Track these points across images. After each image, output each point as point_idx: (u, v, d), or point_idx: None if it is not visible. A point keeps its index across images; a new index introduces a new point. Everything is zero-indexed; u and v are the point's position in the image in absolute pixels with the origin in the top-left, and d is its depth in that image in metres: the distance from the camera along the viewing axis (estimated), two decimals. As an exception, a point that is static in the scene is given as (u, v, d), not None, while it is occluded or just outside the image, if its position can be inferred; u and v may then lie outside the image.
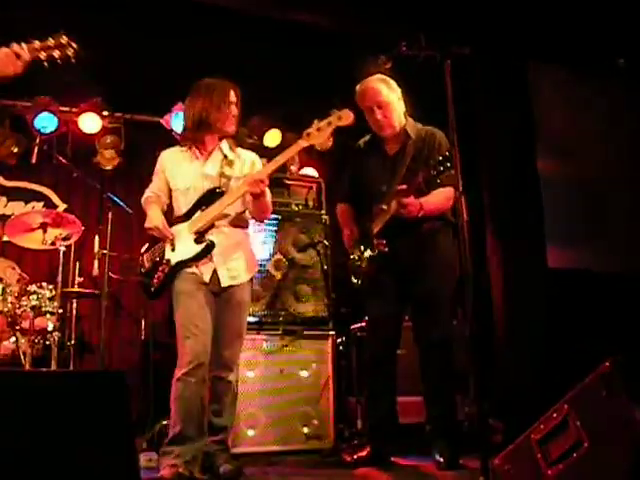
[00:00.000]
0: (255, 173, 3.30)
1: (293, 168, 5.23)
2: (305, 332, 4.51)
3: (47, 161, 5.88)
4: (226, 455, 3.32)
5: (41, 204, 6.14)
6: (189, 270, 3.30)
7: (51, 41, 3.08)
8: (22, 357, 4.64)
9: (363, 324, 4.71)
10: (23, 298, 4.72)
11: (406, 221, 3.53)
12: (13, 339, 4.73)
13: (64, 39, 3.11)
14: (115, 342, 5.91)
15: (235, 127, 3.46)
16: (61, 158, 5.45)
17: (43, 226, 4.79)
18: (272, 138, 6.39)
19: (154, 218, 3.39)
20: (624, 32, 5.61)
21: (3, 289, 4.68)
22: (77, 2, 4.97)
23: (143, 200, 3.56)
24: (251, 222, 3.58)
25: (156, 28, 5.37)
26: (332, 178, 5.31)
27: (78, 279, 5.25)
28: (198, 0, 5.02)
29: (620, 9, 5.39)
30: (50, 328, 4.74)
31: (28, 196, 6.16)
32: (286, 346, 4.43)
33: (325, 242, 4.71)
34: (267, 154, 5.96)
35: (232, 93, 3.43)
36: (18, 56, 2.94)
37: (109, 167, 6.11)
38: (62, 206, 6.16)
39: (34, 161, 5.42)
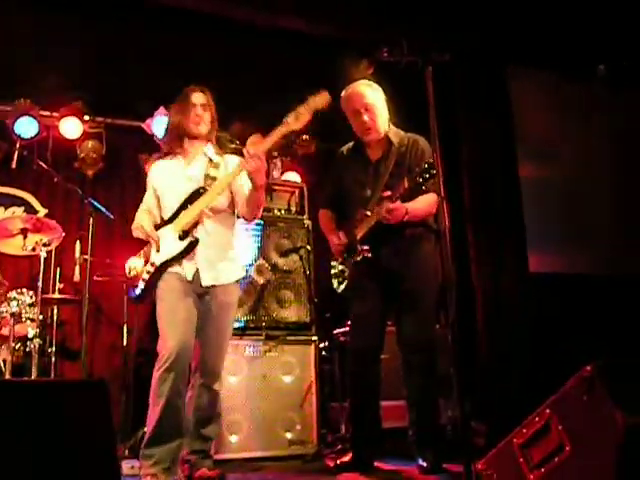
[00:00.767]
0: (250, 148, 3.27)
1: (275, 174, 5.22)
2: (288, 337, 4.52)
3: (27, 166, 5.82)
4: (209, 462, 3.31)
5: (21, 209, 6.07)
6: (173, 270, 3.30)
7: None
8: (2, 364, 4.60)
9: (346, 329, 4.72)
10: (3, 305, 4.68)
11: (389, 227, 3.53)
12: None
13: None
14: (97, 348, 5.86)
15: (207, 127, 3.44)
16: (42, 163, 5.40)
17: (23, 232, 4.74)
18: (254, 143, 6.38)
19: (140, 219, 3.40)
20: (604, 36, 5.67)
21: (-19, 296, 4.63)
22: (59, 6, 4.94)
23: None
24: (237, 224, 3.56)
25: (138, 32, 5.36)
26: (315, 183, 5.31)
27: (59, 285, 5.21)
28: (183, 5, 5.00)
29: (600, 13, 5.45)
30: (30, 335, 4.69)
31: (8, 201, 6.09)
32: (269, 351, 4.43)
33: (307, 247, 4.71)
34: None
35: (195, 95, 3.44)
36: None
37: (90, 172, 6.07)
38: (43, 211, 6.10)
39: (14, 166, 5.36)
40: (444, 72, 3.00)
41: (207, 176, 3.34)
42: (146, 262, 3.36)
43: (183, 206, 3.31)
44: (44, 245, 4.68)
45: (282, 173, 5.88)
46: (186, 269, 3.29)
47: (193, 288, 3.29)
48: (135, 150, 6.26)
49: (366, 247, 3.61)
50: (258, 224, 4.63)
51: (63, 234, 4.90)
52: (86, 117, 6.02)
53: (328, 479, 3.56)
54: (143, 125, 6.11)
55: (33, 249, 4.70)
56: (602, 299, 5.63)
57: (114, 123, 6.30)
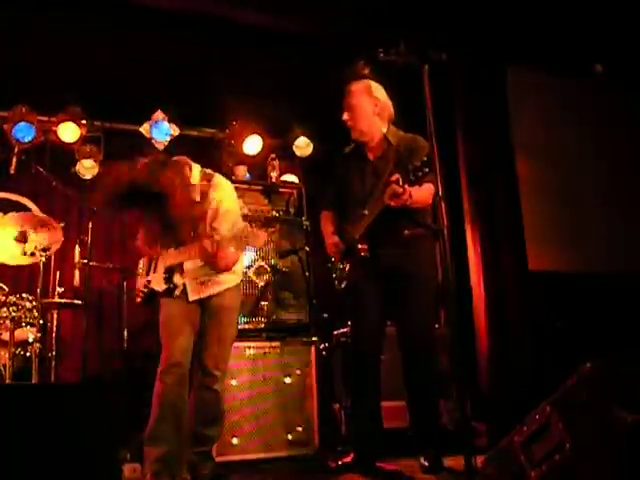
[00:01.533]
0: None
1: (274, 175, 5.22)
2: (288, 338, 4.51)
3: (26, 171, 5.82)
4: (210, 464, 3.31)
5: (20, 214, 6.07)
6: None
7: None
8: (2, 369, 4.59)
9: (346, 330, 4.72)
10: (2, 309, 4.67)
11: (388, 227, 3.56)
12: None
13: None
14: (97, 352, 5.86)
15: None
16: (40, 168, 5.40)
17: (22, 235, 4.73)
18: (252, 145, 6.39)
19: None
20: (603, 36, 5.67)
21: (-19, 301, 4.62)
22: (57, 10, 4.94)
23: None
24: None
25: (136, 35, 5.36)
26: (313, 184, 5.31)
27: (58, 289, 5.20)
28: (180, 8, 5.00)
29: (598, 13, 5.45)
30: (31, 339, 4.69)
31: (7, 206, 6.09)
32: (269, 353, 4.43)
33: (306, 248, 4.71)
34: (247, 160, 6.01)
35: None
36: None
37: (88, 176, 6.07)
38: (41, 216, 6.11)
39: (13, 171, 5.36)
40: (442, 71, 3.00)
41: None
42: (147, 271, 3.40)
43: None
44: (43, 250, 4.68)
45: (280, 175, 5.88)
46: (178, 290, 3.33)
47: (192, 303, 3.33)
48: (133, 154, 6.25)
49: (364, 246, 3.61)
50: (257, 226, 4.63)
51: (62, 239, 4.90)
52: (84, 121, 6.02)
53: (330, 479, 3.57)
54: (141, 129, 6.12)
55: (32, 254, 4.70)
56: (602, 297, 5.63)
57: (112, 127, 6.30)
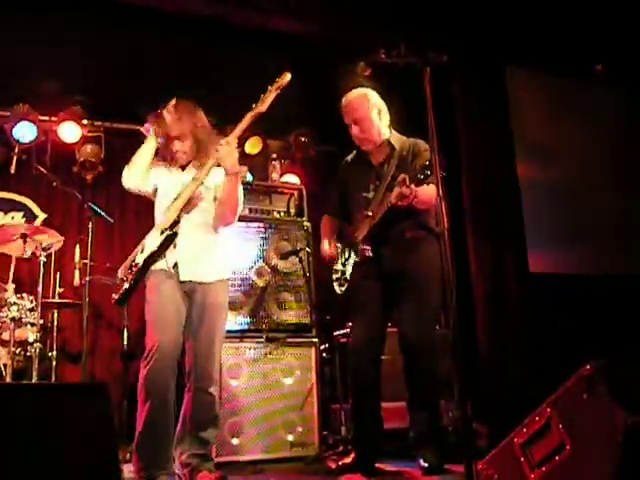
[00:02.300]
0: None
1: (275, 176, 5.23)
2: (288, 339, 4.51)
3: (26, 171, 5.84)
4: (210, 465, 3.30)
5: (21, 214, 6.09)
6: (158, 267, 3.32)
7: None
8: (2, 369, 4.60)
9: (346, 330, 4.72)
10: (3, 309, 4.68)
11: (391, 229, 3.58)
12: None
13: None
14: (97, 352, 5.87)
15: (186, 156, 3.41)
16: (40, 167, 5.41)
17: (23, 236, 4.75)
18: (253, 145, 6.40)
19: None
20: (603, 36, 5.67)
21: (-19, 301, 4.64)
22: (57, 11, 4.94)
23: None
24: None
25: (137, 36, 5.36)
26: (314, 185, 5.31)
27: (59, 289, 5.21)
28: (181, 9, 5.00)
29: (598, 12, 5.45)
30: (31, 339, 4.70)
31: (7, 206, 6.11)
32: (270, 354, 4.42)
33: (307, 249, 4.71)
34: (248, 161, 6.01)
35: (170, 127, 3.38)
36: None
37: (89, 176, 6.08)
38: (42, 216, 6.12)
39: (13, 171, 5.38)
40: (442, 73, 3.00)
41: (193, 179, 3.35)
42: (130, 265, 3.38)
43: (168, 209, 3.34)
44: (44, 249, 4.69)
45: (281, 175, 5.89)
46: (168, 261, 3.31)
47: (180, 286, 3.31)
48: (134, 154, 6.26)
49: (367, 247, 3.63)
50: (257, 226, 4.64)
51: (62, 239, 4.91)
52: (85, 121, 6.03)
53: (330, 481, 3.57)
54: (142, 129, 6.11)
55: (33, 253, 4.71)
56: (602, 299, 5.63)
57: (113, 127, 6.31)
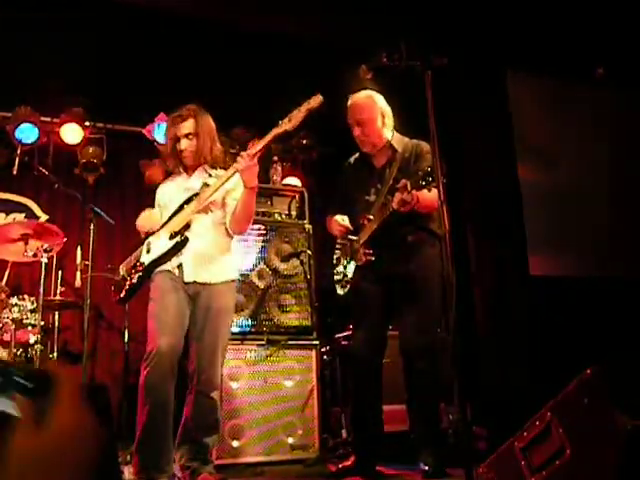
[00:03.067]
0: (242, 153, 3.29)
1: (276, 178, 5.23)
2: (289, 342, 4.51)
3: (28, 172, 5.84)
4: (210, 467, 3.30)
5: (22, 215, 6.09)
6: (164, 268, 3.33)
7: None
8: (3, 370, 4.59)
9: (347, 333, 4.72)
10: (4, 311, 4.68)
11: (393, 232, 3.58)
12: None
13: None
14: (98, 353, 5.87)
15: (193, 156, 3.45)
16: (42, 169, 5.41)
17: (24, 237, 4.76)
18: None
19: (145, 214, 3.47)
20: (603, 39, 5.67)
21: (-18, 302, 4.63)
22: (59, 11, 4.95)
23: None
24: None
25: (139, 38, 5.37)
26: (315, 187, 5.31)
27: (60, 289, 5.21)
28: (183, 10, 5.01)
29: (597, 16, 5.46)
30: (32, 341, 4.70)
31: (9, 207, 6.11)
32: (270, 356, 4.43)
33: (308, 251, 4.71)
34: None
35: (179, 126, 3.43)
36: None
37: (91, 178, 6.08)
38: (43, 217, 6.12)
39: (15, 172, 5.38)
40: (443, 76, 3.00)
41: (204, 184, 3.37)
42: (134, 264, 3.39)
43: (177, 211, 3.35)
44: (45, 251, 4.69)
45: (282, 178, 5.89)
46: (173, 261, 3.33)
47: (184, 288, 3.31)
48: (136, 156, 6.28)
49: (369, 251, 3.62)
50: (258, 229, 4.64)
51: (64, 240, 4.91)
52: (87, 123, 6.04)
53: (330, 484, 3.56)
54: (144, 131, 6.13)
55: (34, 255, 4.71)
56: (602, 302, 5.63)
57: (115, 129, 6.32)
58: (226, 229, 3.45)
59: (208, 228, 3.38)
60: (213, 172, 3.46)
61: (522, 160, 5.96)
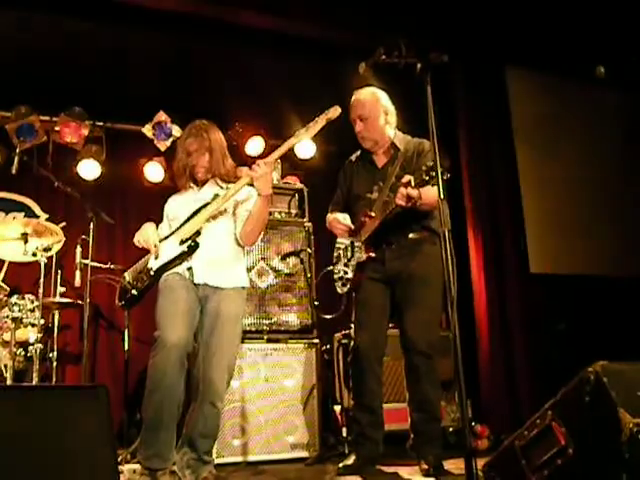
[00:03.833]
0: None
1: (276, 176, 5.20)
2: (289, 340, 4.51)
3: (28, 171, 5.82)
4: (210, 467, 3.29)
5: (22, 214, 6.09)
6: (173, 271, 3.31)
7: None
8: (3, 370, 4.60)
9: (348, 332, 4.71)
10: (4, 310, 4.68)
11: (394, 230, 3.59)
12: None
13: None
14: (98, 353, 5.87)
15: (204, 171, 3.45)
16: (42, 168, 5.40)
17: (24, 236, 4.76)
18: (254, 146, 6.39)
19: (146, 227, 3.43)
20: (604, 36, 5.66)
21: (-18, 301, 4.63)
22: (59, 10, 4.94)
23: None
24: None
25: (139, 36, 5.36)
26: (315, 186, 5.29)
27: (60, 289, 5.20)
28: (183, 9, 5.00)
29: (598, 13, 5.45)
30: (32, 340, 4.70)
31: (9, 206, 6.11)
32: (270, 355, 4.42)
33: (308, 250, 4.70)
34: (250, 162, 6.00)
35: (189, 141, 3.44)
36: None
37: (91, 177, 6.07)
38: (43, 216, 6.12)
39: (14, 172, 5.36)
40: (442, 71, 3.00)
41: (215, 195, 3.38)
42: (142, 270, 3.37)
43: (188, 219, 3.35)
44: (45, 250, 4.68)
45: (283, 176, 5.87)
46: (183, 266, 3.32)
47: (194, 289, 3.29)
48: (135, 154, 6.27)
49: (370, 248, 3.62)
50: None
51: (64, 239, 4.91)
52: (86, 122, 6.03)
53: (331, 482, 3.56)
54: (143, 130, 6.12)
55: (34, 254, 4.70)
56: (604, 300, 5.62)
57: (114, 127, 6.31)
58: (236, 239, 3.44)
59: (219, 236, 3.37)
60: (224, 185, 3.46)
61: (522, 157, 5.95)
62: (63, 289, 5.23)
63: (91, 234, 4.77)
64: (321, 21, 5.23)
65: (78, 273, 5.07)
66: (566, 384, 2.04)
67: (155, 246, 3.32)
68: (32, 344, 4.68)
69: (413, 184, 3.30)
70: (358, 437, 3.72)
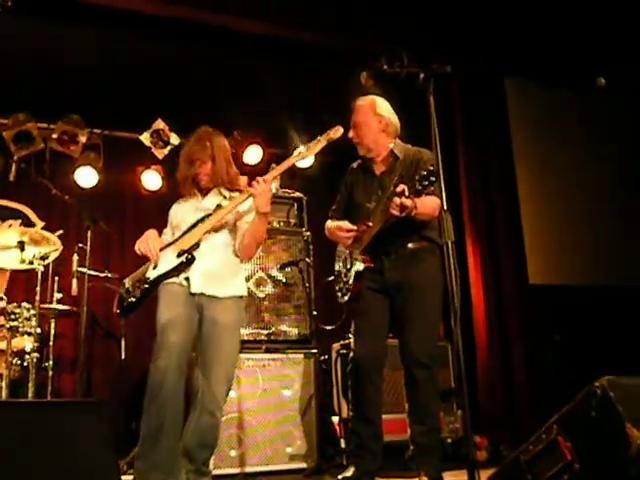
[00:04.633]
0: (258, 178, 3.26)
1: (275, 185, 5.18)
2: (287, 350, 4.48)
3: (25, 178, 5.81)
4: (207, 478, 3.26)
5: (18, 222, 6.07)
6: (171, 280, 3.29)
7: None
8: (-1, 379, 4.56)
9: (346, 342, 4.69)
10: (0, 318, 4.64)
11: (392, 240, 3.56)
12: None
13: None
14: (94, 362, 5.83)
15: (207, 179, 3.42)
16: (39, 176, 5.38)
17: (20, 245, 4.73)
18: (253, 155, 6.38)
19: (146, 236, 3.39)
20: (603, 48, 5.67)
21: (-21, 310, 4.60)
22: (58, 17, 4.93)
23: None
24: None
25: (137, 44, 5.36)
26: (314, 195, 5.28)
27: (57, 295, 5.17)
28: (182, 17, 5.00)
29: (598, 24, 5.46)
30: (28, 349, 4.66)
31: (5, 214, 6.09)
32: (268, 365, 4.39)
33: (307, 260, 4.68)
34: (248, 170, 5.99)
35: (192, 151, 3.43)
36: None
37: (88, 184, 6.05)
38: (40, 224, 6.10)
39: (12, 179, 5.35)
40: (441, 84, 3.00)
41: (218, 206, 3.36)
42: (140, 278, 3.35)
43: (188, 230, 3.33)
44: (42, 258, 4.66)
45: (281, 185, 5.86)
46: (180, 278, 3.29)
47: (191, 299, 3.27)
48: (133, 162, 6.25)
49: (368, 258, 3.61)
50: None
51: (61, 247, 4.88)
52: (84, 129, 6.01)
53: (329, 494, 3.53)
54: (141, 137, 6.11)
55: (31, 263, 4.67)
56: (604, 311, 5.61)
57: (112, 135, 6.30)
58: (234, 251, 3.42)
59: (218, 248, 3.35)
60: (227, 194, 3.44)
61: (521, 170, 5.95)
62: (60, 295, 5.19)
63: (88, 242, 4.75)
64: (323, 30, 5.23)
65: (75, 281, 5.04)
66: (565, 395, 2.02)
67: (156, 255, 3.31)
68: (28, 353, 4.65)
69: (407, 193, 3.29)
70: (357, 449, 3.68)
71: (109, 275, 5.36)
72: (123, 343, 5.23)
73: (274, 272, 4.63)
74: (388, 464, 3.81)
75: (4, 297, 4.86)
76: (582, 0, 5.34)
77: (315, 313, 4.62)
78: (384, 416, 3.77)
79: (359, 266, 3.65)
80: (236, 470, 4.11)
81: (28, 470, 1.76)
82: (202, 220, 3.33)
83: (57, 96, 5.73)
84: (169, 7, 4.97)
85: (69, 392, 5.60)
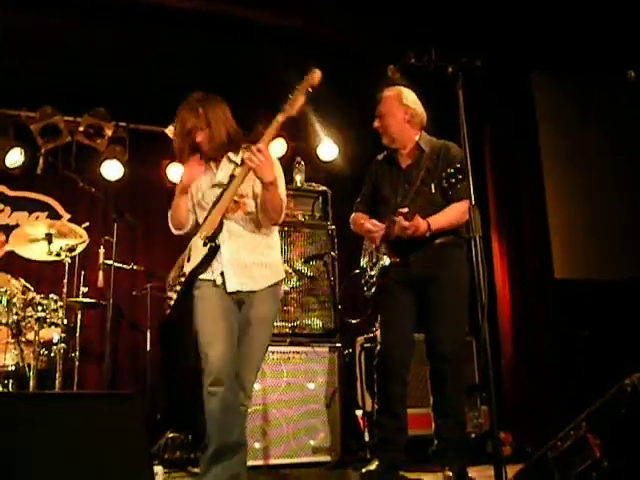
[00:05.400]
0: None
1: (299, 178, 5.18)
2: (312, 344, 4.49)
3: (51, 171, 5.86)
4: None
5: (45, 214, 6.13)
6: (205, 277, 3.18)
7: None
8: (27, 369, 4.61)
9: (371, 335, 4.69)
10: (28, 309, 4.70)
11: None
12: (17, 351, 4.68)
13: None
14: (120, 353, 5.88)
15: (210, 149, 3.23)
16: (65, 168, 5.43)
17: (48, 237, 4.78)
18: (277, 148, 6.37)
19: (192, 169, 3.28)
20: (633, 40, 5.59)
21: (8, 301, 4.65)
22: (85, 12, 4.96)
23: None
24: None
25: (162, 38, 5.37)
26: (338, 189, 5.27)
27: (83, 289, 5.21)
28: (208, 10, 5.00)
29: (631, 17, 5.37)
30: (55, 340, 4.72)
31: (32, 206, 6.15)
32: (293, 358, 4.40)
33: (332, 253, 4.68)
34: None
35: (184, 118, 3.24)
36: None
37: (114, 177, 6.09)
38: (66, 216, 6.15)
39: (39, 172, 5.40)
40: (471, 77, 2.97)
41: (231, 177, 3.19)
42: (179, 274, 3.31)
43: (209, 213, 3.26)
44: (69, 250, 4.70)
45: (306, 178, 5.86)
46: (215, 273, 3.17)
47: (228, 297, 3.14)
48: (158, 155, 6.27)
49: (395, 252, 3.59)
50: (281, 230, 4.60)
51: (87, 240, 4.93)
52: (110, 123, 6.05)
53: (353, 487, 3.54)
54: (166, 130, 6.12)
55: (58, 254, 4.73)
56: (631, 306, 5.54)
57: (137, 128, 6.32)
58: (262, 224, 3.25)
59: (242, 227, 3.20)
60: (237, 158, 3.25)
61: (548, 164, 5.89)
62: (86, 289, 5.23)
63: (114, 235, 4.78)
64: (349, 24, 5.21)
65: (101, 274, 5.09)
66: (591, 392, 2.01)
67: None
68: (55, 344, 4.70)
69: (408, 215, 3.33)
70: (381, 442, 3.68)
71: (135, 267, 5.41)
72: (149, 335, 5.27)
73: (299, 265, 4.63)
74: (412, 458, 3.82)
75: (31, 288, 4.92)
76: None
77: (340, 307, 4.62)
78: (409, 410, 3.76)
79: (385, 261, 3.63)
80: (260, 462, 4.14)
81: (61, 462, 1.78)
82: (220, 197, 3.17)
83: (83, 89, 5.76)
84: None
85: (94, 383, 5.66)
